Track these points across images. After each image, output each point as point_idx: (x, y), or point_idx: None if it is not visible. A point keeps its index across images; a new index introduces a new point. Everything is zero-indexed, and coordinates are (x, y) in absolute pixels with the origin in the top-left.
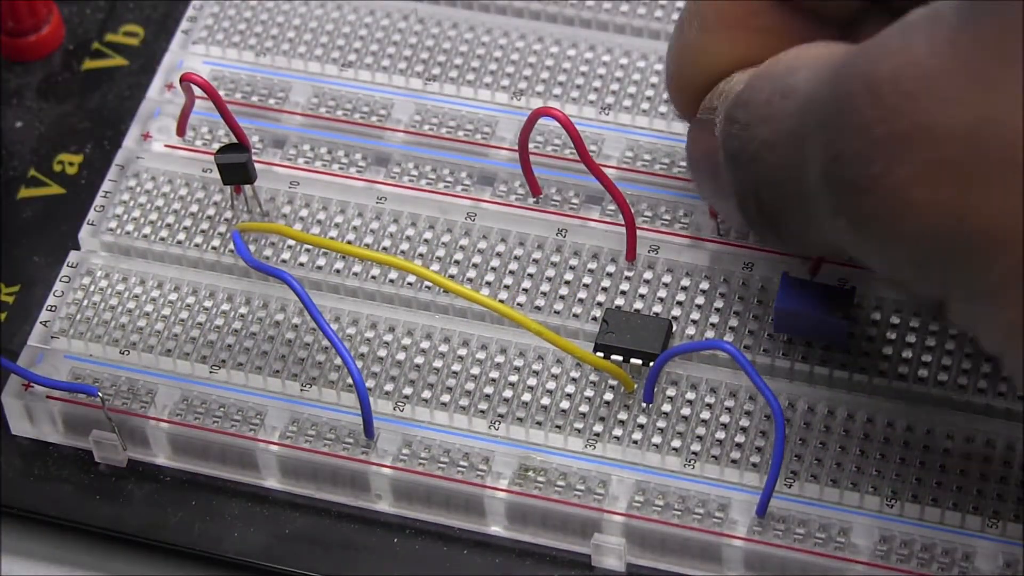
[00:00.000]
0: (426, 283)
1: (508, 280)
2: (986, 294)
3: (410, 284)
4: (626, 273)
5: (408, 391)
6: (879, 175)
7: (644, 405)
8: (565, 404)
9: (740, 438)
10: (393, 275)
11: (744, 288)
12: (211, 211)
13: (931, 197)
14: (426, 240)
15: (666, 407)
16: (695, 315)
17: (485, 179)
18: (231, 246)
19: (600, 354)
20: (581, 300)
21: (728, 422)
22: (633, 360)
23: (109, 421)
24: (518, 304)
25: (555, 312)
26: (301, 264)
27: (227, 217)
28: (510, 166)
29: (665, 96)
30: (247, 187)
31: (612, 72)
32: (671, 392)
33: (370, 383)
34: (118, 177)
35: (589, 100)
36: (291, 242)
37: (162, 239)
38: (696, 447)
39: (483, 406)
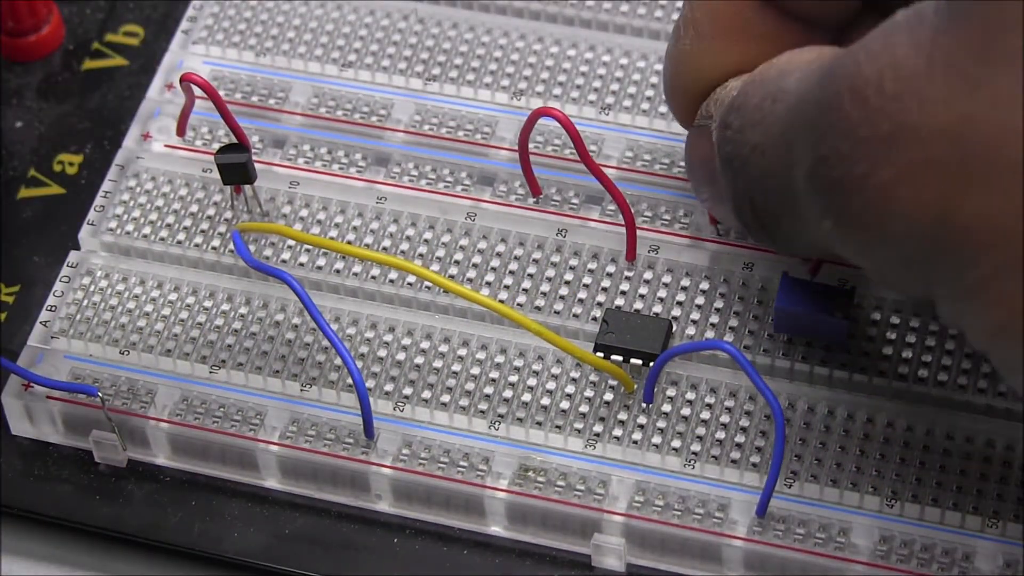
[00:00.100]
0: (426, 283)
1: (508, 280)
2: (969, 293)
3: (410, 284)
4: (626, 273)
5: (408, 391)
6: (863, 176)
7: (644, 405)
8: (565, 404)
9: (740, 438)
10: (393, 275)
11: (744, 288)
12: (211, 211)
13: (913, 197)
14: (426, 240)
15: (666, 407)
16: (695, 315)
17: (485, 179)
18: (231, 246)
19: (600, 354)
20: (581, 300)
21: (728, 422)
22: (633, 360)
23: (109, 421)
24: (518, 304)
25: (555, 312)
26: (301, 264)
27: (227, 217)
28: (510, 166)
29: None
30: (247, 187)
31: (612, 72)
32: (671, 392)
33: (370, 383)
34: (118, 177)
35: (589, 100)
36: (291, 242)
37: (162, 239)
38: (696, 447)
39: (483, 406)
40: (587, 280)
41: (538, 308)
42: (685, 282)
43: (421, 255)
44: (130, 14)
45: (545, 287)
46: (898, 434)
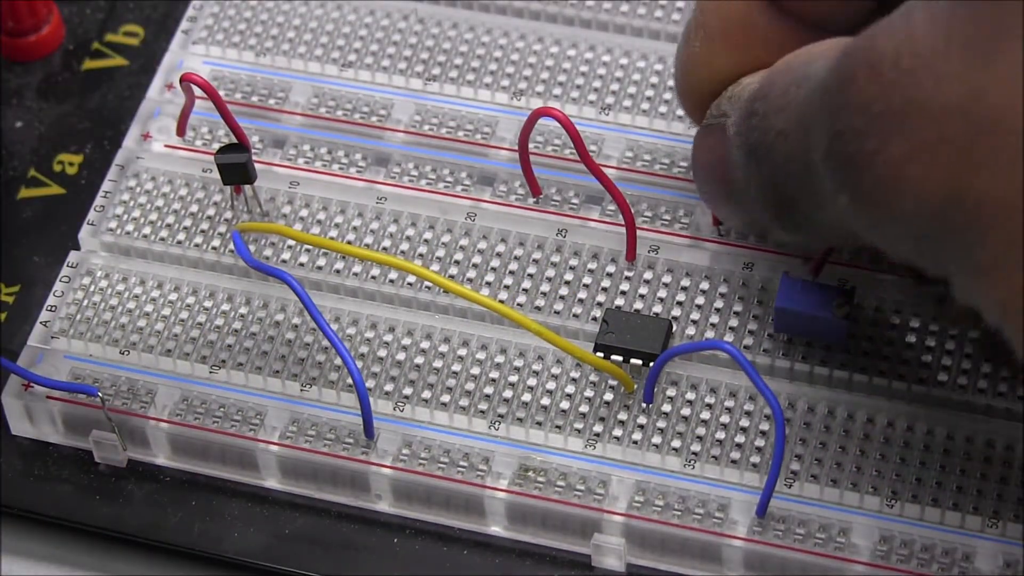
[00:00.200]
0: (426, 283)
1: (508, 280)
2: (980, 270)
3: (410, 284)
4: (626, 273)
5: (408, 391)
6: (876, 151)
7: (644, 405)
8: (565, 404)
9: (740, 438)
10: (393, 275)
11: (744, 288)
12: (211, 211)
13: (925, 173)
14: (426, 240)
15: (666, 407)
16: (695, 315)
17: (485, 179)
18: (231, 246)
19: (600, 354)
20: (581, 300)
21: (728, 422)
22: (633, 360)
23: (109, 421)
24: (518, 304)
25: (555, 312)
26: (301, 264)
27: (227, 217)
28: (510, 166)
29: (665, 96)
30: (247, 187)
31: (612, 72)
32: (671, 392)
33: (370, 383)
34: (118, 177)
35: (589, 100)
36: (291, 242)
37: (162, 239)
38: (696, 447)
39: (483, 406)
40: (587, 280)
41: (538, 308)
42: (685, 282)
43: (421, 255)
44: (130, 14)
45: (545, 287)
46: (898, 434)
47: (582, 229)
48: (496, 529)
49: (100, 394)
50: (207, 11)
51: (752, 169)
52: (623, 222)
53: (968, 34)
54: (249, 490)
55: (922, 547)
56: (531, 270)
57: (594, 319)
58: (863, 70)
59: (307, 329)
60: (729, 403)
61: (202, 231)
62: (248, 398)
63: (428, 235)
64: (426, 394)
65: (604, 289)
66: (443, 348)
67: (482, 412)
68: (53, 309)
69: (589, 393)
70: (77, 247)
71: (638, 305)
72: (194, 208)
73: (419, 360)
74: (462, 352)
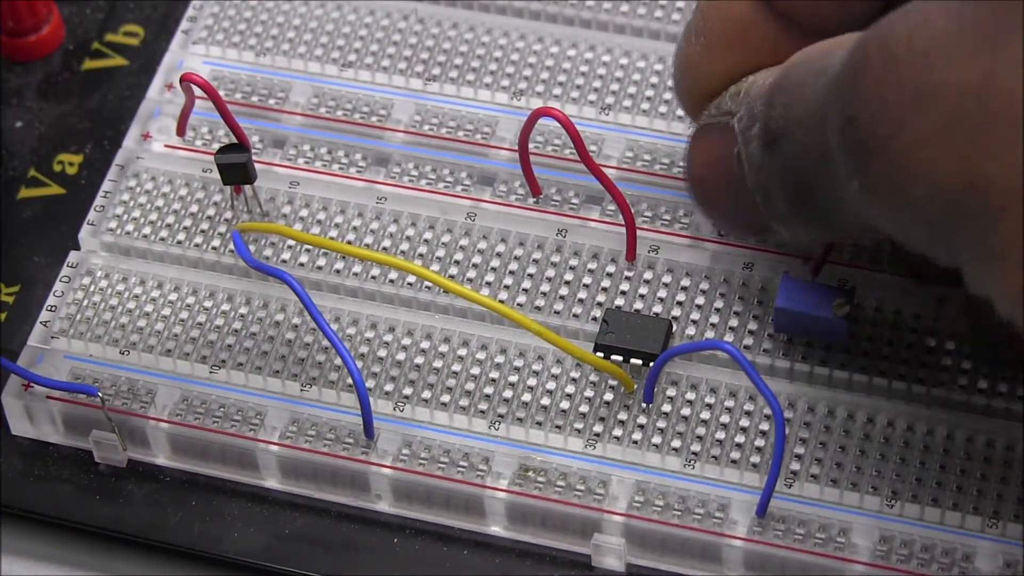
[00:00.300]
0: (426, 283)
1: (508, 280)
2: (993, 256)
3: (410, 284)
4: (626, 273)
5: (408, 391)
6: (889, 135)
7: (644, 405)
8: (565, 404)
9: (740, 438)
10: (393, 275)
11: (744, 288)
12: (211, 211)
13: (939, 156)
14: (426, 240)
15: (666, 407)
16: (695, 315)
17: (485, 179)
18: (231, 246)
19: (600, 354)
20: (581, 300)
21: (728, 422)
22: (633, 360)
23: (109, 421)
24: (518, 304)
25: (555, 312)
26: (301, 264)
27: (227, 217)
28: (510, 166)
29: (665, 96)
30: (247, 187)
31: (612, 72)
32: (671, 392)
33: (370, 383)
34: (118, 177)
35: (589, 100)
36: (291, 242)
37: (162, 239)
38: (696, 447)
39: (483, 406)
40: (587, 280)
41: (538, 308)
42: (685, 282)
43: (421, 255)
44: (130, 14)
45: (545, 287)
46: (898, 434)
47: (582, 229)
48: (496, 529)
49: (100, 394)
50: (207, 11)
51: (769, 161)
52: (623, 222)
53: (981, 18)
54: (249, 490)
55: (922, 547)
56: (531, 270)
57: (594, 319)
58: (878, 55)
59: (307, 329)
60: (729, 403)
61: (202, 231)
62: (248, 398)
63: (428, 235)
64: (426, 394)
65: (604, 289)
66: (443, 348)
67: (482, 412)
68: (53, 309)
69: (589, 393)
70: (77, 247)
71: (638, 305)
72: (194, 208)
73: (419, 360)
74: (462, 352)
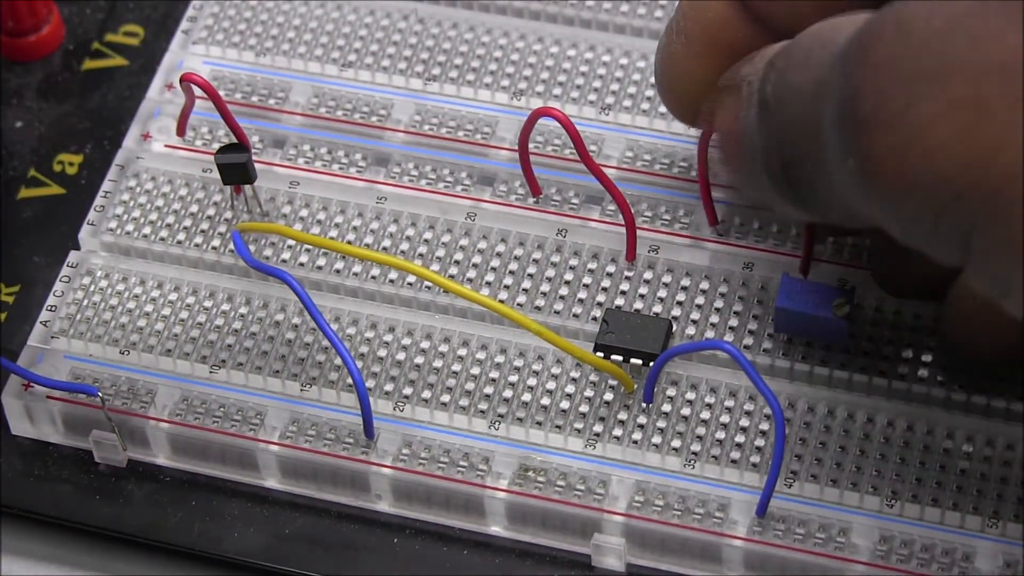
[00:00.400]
0: (426, 283)
1: (508, 280)
2: (1007, 243)
3: (410, 284)
4: (626, 273)
5: (408, 391)
6: (900, 112)
7: (644, 405)
8: (565, 404)
9: (740, 438)
10: (393, 275)
11: (744, 288)
12: (211, 211)
13: (955, 134)
14: (426, 240)
15: (666, 407)
16: (695, 315)
17: (485, 179)
18: (231, 246)
19: (600, 354)
20: (581, 300)
21: (728, 422)
22: (633, 360)
23: (109, 421)
24: (518, 304)
25: (555, 312)
26: (301, 264)
27: (227, 217)
28: (510, 166)
29: None
30: (247, 187)
31: (612, 72)
32: (671, 392)
33: (370, 383)
34: (118, 177)
35: (589, 100)
36: (291, 242)
37: (162, 239)
38: (696, 447)
39: (483, 406)
40: (587, 280)
41: (538, 308)
42: (685, 282)
43: (421, 255)
44: (130, 14)
45: (545, 287)
46: (898, 434)
47: (582, 229)
48: (496, 529)
49: (100, 394)
50: (207, 11)
51: (761, 124)
52: (623, 222)
53: None
54: (249, 490)
55: (922, 547)
56: (531, 270)
57: (594, 319)
58: (891, 30)
59: (307, 329)
60: (729, 403)
61: (202, 231)
62: (248, 398)
63: (428, 235)
64: (426, 394)
65: (604, 289)
66: (443, 348)
67: (482, 412)
68: (53, 309)
69: (589, 393)
70: (77, 247)
71: (638, 305)
72: (194, 208)
73: (419, 360)
74: (462, 352)
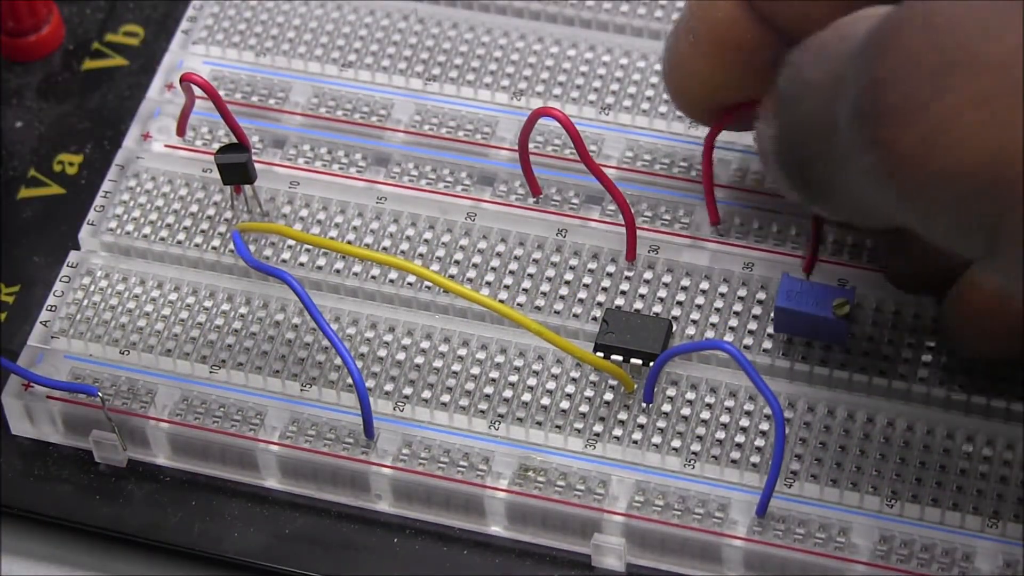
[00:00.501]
0: (426, 283)
1: (508, 280)
2: None
3: (410, 284)
4: (626, 273)
5: (408, 391)
6: (925, 103)
7: (644, 405)
8: (565, 404)
9: (740, 438)
10: (393, 275)
11: (744, 288)
12: (211, 211)
13: (981, 126)
14: (426, 240)
15: (666, 407)
16: (695, 315)
17: (485, 179)
18: (231, 246)
19: (600, 354)
20: (581, 300)
21: (728, 422)
22: (633, 360)
23: (109, 421)
24: (518, 304)
25: (555, 312)
26: (301, 264)
27: (227, 217)
28: (510, 166)
29: (665, 96)
30: (247, 187)
31: (612, 72)
32: (671, 392)
33: (370, 383)
34: (118, 177)
35: (589, 100)
36: (291, 242)
37: (162, 239)
38: (696, 447)
39: (483, 406)
40: (587, 280)
41: (538, 308)
42: (685, 282)
43: (421, 255)
44: (130, 14)
45: (545, 287)
46: (898, 434)
47: (582, 229)
48: (496, 529)
49: (100, 394)
50: (207, 11)
51: (777, 117)
52: (623, 222)
53: None
54: (249, 490)
55: (922, 547)
56: (531, 270)
57: (594, 319)
58: (915, 20)
59: (307, 329)
60: (729, 403)
61: (202, 231)
62: (248, 398)
63: (428, 235)
64: (426, 394)
65: (604, 289)
66: (443, 348)
67: (482, 412)
68: (53, 309)
69: (589, 393)
70: (77, 247)
71: (638, 305)
72: (194, 208)
73: (419, 360)
74: (462, 352)
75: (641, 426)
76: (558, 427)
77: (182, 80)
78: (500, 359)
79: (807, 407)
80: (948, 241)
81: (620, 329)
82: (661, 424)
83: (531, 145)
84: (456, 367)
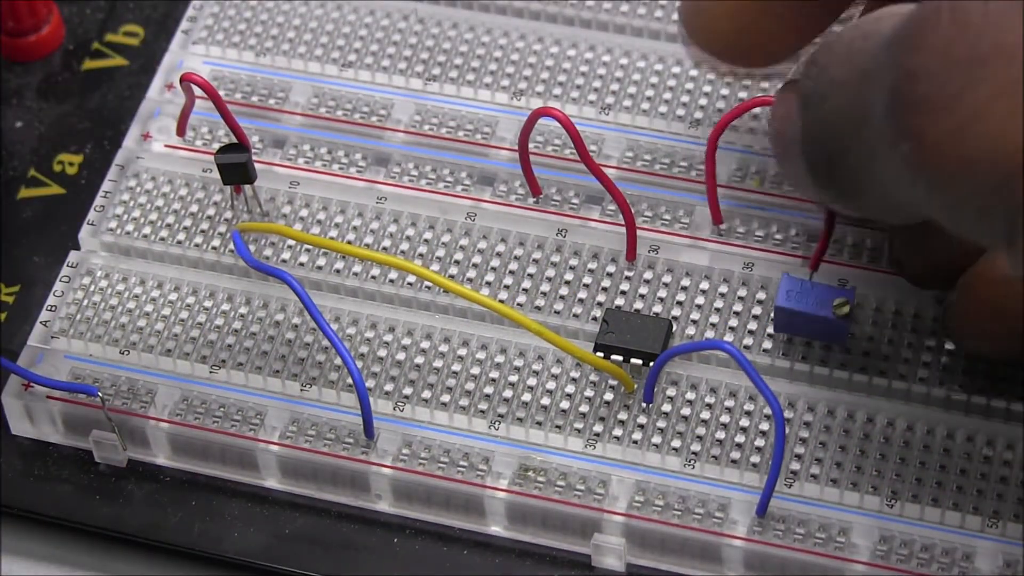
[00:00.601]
0: (426, 283)
1: (508, 280)
2: None
3: (410, 284)
4: (626, 273)
5: (408, 391)
6: (957, 94)
7: (644, 405)
8: (565, 404)
9: (740, 438)
10: (393, 275)
11: (744, 288)
12: (211, 211)
13: (1012, 116)
14: (426, 240)
15: (666, 407)
16: (695, 315)
17: (485, 179)
18: (231, 246)
19: (600, 354)
20: (581, 300)
21: (728, 422)
22: (633, 360)
23: (109, 421)
24: (518, 304)
25: (555, 312)
26: (301, 264)
27: (227, 217)
28: (510, 166)
29: (665, 96)
30: (247, 187)
31: (612, 72)
32: (671, 392)
33: (370, 383)
34: (118, 177)
35: (589, 100)
36: (291, 242)
37: (162, 239)
38: (696, 447)
39: (483, 406)
40: (587, 280)
41: (538, 308)
42: (685, 282)
43: (421, 255)
44: (130, 14)
45: (545, 287)
46: (898, 434)
47: (582, 229)
48: (496, 529)
49: (100, 394)
50: (207, 11)
51: (804, 118)
52: (623, 222)
53: None
54: (249, 490)
55: (922, 547)
56: (531, 270)
57: (594, 319)
58: (946, 13)
59: (307, 329)
60: (729, 403)
61: (202, 231)
62: (248, 398)
63: (428, 235)
64: (426, 394)
65: (604, 289)
66: (443, 348)
67: (482, 412)
68: (53, 309)
69: (589, 393)
70: (77, 247)
71: (638, 305)
72: (194, 208)
73: (419, 360)
74: (462, 352)
75: (641, 426)
76: (558, 427)
77: (182, 80)
78: (500, 359)
79: (807, 407)
80: (971, 230)
81: (620, 329)
82: (661, 424)
83: (531, 145)
84: (456, 367)
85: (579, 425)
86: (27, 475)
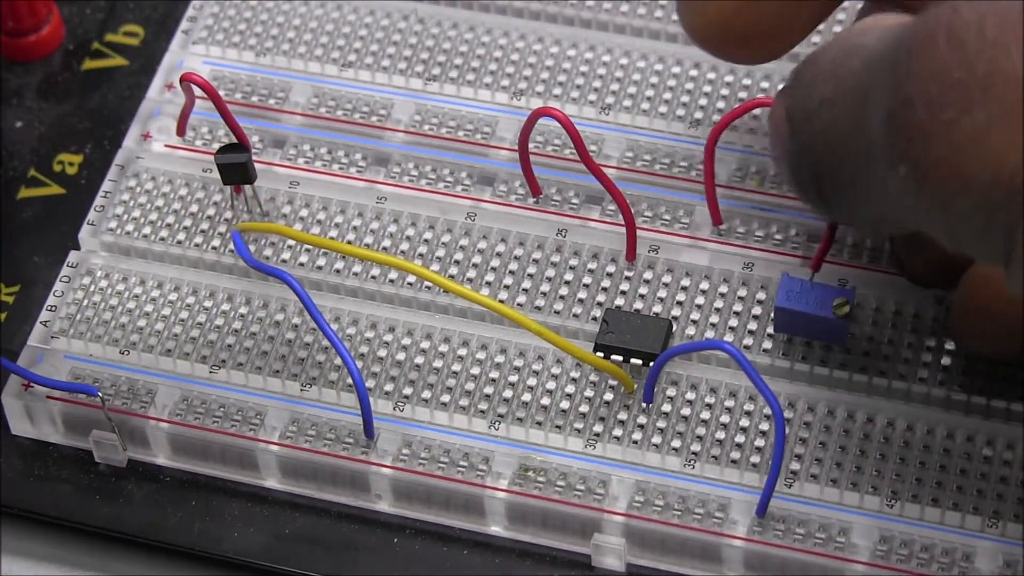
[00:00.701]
0: (426, 283)
1: (508, 280)
2: None
3: (410, 284)
4: (626, 273)
5: (408, 391)
6: (951, 120)
7: (644, 405)
8: (565, 404)
9: (740, 438)
10: (393, 275)
11: (744, 288)
12: (211, 211)
13: (1009, 140)
14: (426, 240)
15: (666, 407)
16: (695, 315)
17: (485, 179)
18: (231, 246)
19: (600, 354)
20: (581, 300)
21: (728, 422)
22: (633, 360)
23: (109, 421)
24: (518, 304)
25: (555, 312)
26: (301, 264)
27: (227, 217)
28: (510, 166)
29: (665, 96)
30: (247, 187)
31: (612, 72)
32: (671, 392)
33: (370, 383)
34: (118, 177)
35: (589, 100)
36: (291, 242)
37: (162, 239)
38: (696, 447)
39: (483, 406)
40: (587, 280)
41: (538, 308)
42: (685, 282)
43: (421, 255)
44: (130, 14)
45: (545, 287)
46: (898, 434)
47: (582, 229)
48: (496, 529)
49: (100, 394)
50: (207, 11)
51: (790, 135)
52: (623, 222)
53: None
54: (249, 490)
55: (922, 547)
56: (531, 270)
57: (594, 319)
58: (943, 37)
59: (307, 329)
60: (729, 403)
61: (202, 231)
62: (248, 398)
63: (428, 235)
64: (426, 394)
65: (604, 289)
66: (443, 348)
67: (482, 412)
68: (53, 309)
69: (589, 393)
70: (77, 247)
71: (638, 305)
72: (194, 208)
73: (419, 360)
74: (462, 352)
75: (641, 426)
76: (558, 427)
77: (182, 80)
78: (500, 359)
79: (807, 407)
80: (969, 247)
81: (620, 329)
82: (661, 424)
83: (531, 145)
84: (456, 367)
85: (579, 425)
86: (27, 475)
